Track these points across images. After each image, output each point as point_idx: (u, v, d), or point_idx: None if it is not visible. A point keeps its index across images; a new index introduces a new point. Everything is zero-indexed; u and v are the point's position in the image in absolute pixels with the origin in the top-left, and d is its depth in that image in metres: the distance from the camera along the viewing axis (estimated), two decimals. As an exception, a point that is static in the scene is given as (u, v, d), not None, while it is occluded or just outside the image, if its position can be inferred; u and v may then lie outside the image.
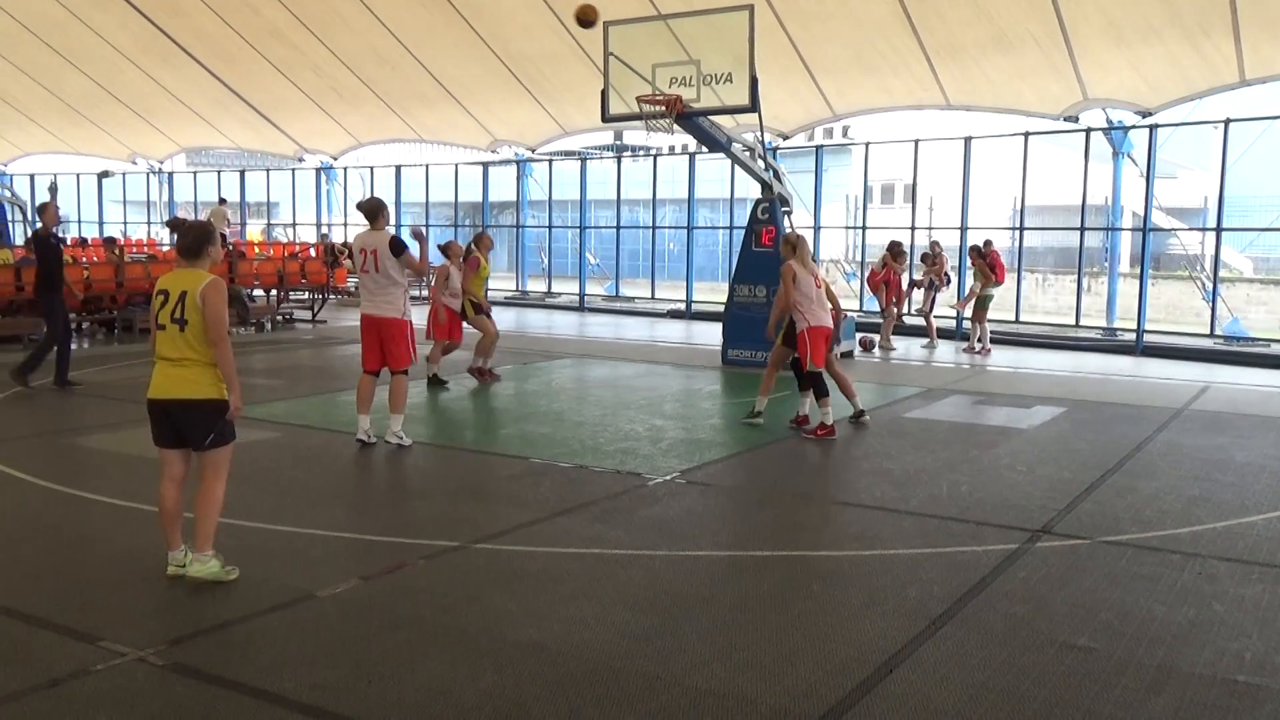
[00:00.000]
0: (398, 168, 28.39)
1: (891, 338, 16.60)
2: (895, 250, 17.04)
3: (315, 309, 20.03)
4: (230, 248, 21.86)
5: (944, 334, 18.02)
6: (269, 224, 32.88)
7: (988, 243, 16.76)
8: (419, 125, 25.06)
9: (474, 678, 4.22)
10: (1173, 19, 14.78)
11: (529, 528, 6.36)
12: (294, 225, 31.00)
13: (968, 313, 17.11)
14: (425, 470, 8.09)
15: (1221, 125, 17.49)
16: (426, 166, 27.79)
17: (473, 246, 12.47)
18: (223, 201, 28.15)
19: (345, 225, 28.20)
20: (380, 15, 20.23)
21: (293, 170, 29.64)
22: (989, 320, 16.52)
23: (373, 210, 8.69)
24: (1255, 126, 19.37)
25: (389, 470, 8.10)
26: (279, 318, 19.24)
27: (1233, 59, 15.20)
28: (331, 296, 22.41)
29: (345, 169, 28.95)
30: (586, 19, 11.61)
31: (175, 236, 4.59)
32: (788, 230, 12.56)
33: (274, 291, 20.27)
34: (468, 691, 4.10)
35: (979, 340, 16.31)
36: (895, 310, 16.89)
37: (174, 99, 25.67)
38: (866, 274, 18.60)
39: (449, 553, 5.86)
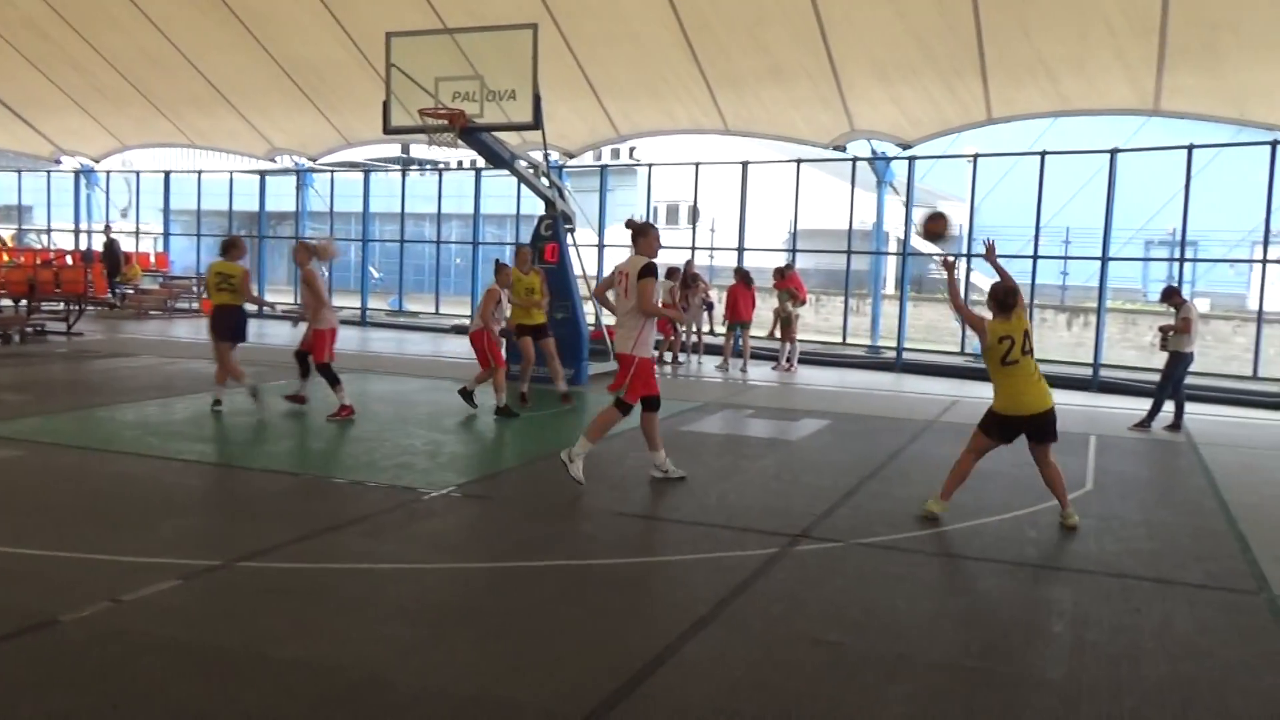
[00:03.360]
0: (167, 174, 27.00)
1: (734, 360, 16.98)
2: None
3: (70, 320, 18.76)
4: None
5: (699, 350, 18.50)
6: (19, 229, 30.54)
7: (789, 265, 17.50)
8: (190, 130, 23.92)
9: (232, 698, 4.10)
10: (929, 60, 15.90)
11: (297, 544, 6.20)
12: (49, 231, 28.92)
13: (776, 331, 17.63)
14: (189, 488, 7.74)
15: (971, 159, 18.92)
16: (199, 173, 26.54)
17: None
18: None
19: (106, 231, 26.55)
20: (150, 14, 19.23)
21: (48, 172, 27.70)
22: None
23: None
24: (1005, 161, 21.06)
25: (149, 489, 7.70)
26: (29, 329, 17.90)
27: (981, 99, 16.48)
28: (90, 307, 21.04)
29: (108, 173, 27.30)
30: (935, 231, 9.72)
31: (997, 298, 7.06)
32: (313, 239, 12.57)
33: (24, 301, 18.86)
34: (224, 713, 3.98)
35: (787, 359, 16.92)
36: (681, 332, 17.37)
37: (-93, 89, 23.59)
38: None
39: (210, 572, 5.64)
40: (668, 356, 17.11)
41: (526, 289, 11.93)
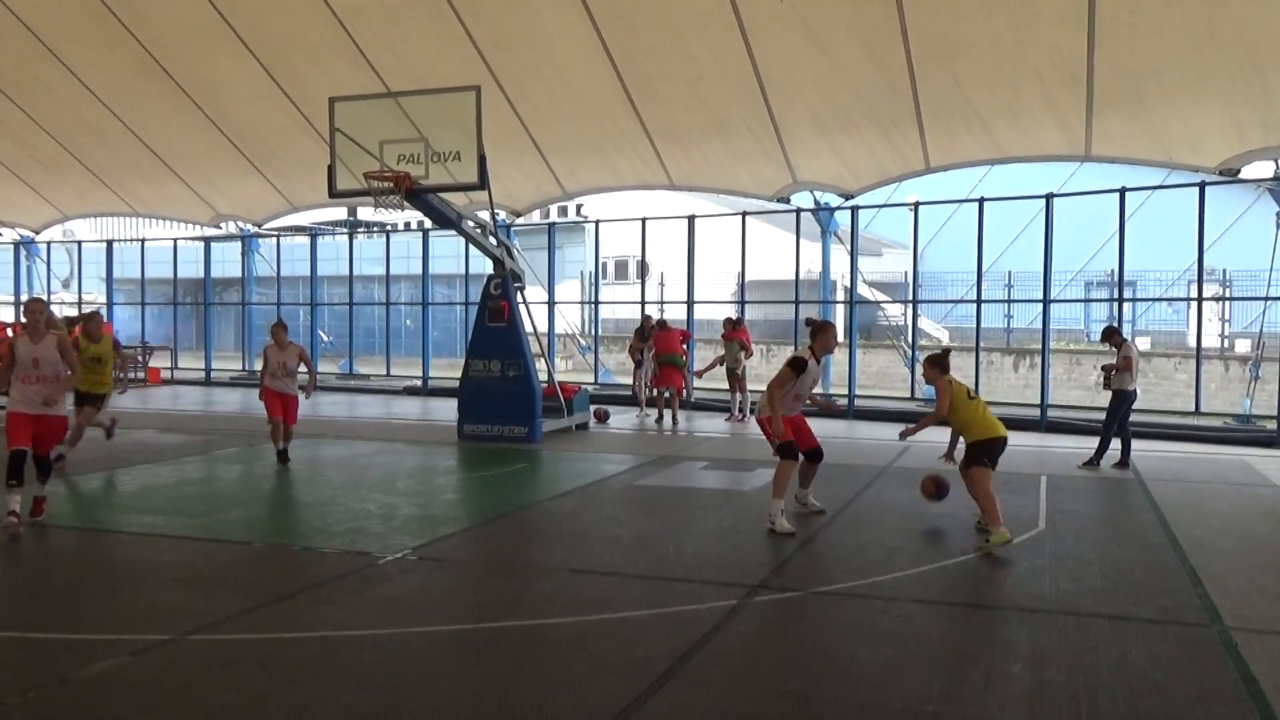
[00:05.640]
0: (109, 243, 26.72)
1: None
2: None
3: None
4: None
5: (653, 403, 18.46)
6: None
7: (740, 318, 17.67)
8: (133, 199, 23.71)
9: (183, 776, 3.99)
10: (866, 112, 16.23)
11: (250, 614, 6.08)
12: (-11, 304, 28.45)
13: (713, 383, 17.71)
14: (135, 560, 7.57)
15: (912, 208, 19.28)
16: (142, 242, 26.30)
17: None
18: None
19: (49, 304, 26.09)
20: (89, 83, 19.13)
21: (-13, 245, 27.31)
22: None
23: None
24: (946, 208, 21.47)
25: (92, 563, 7.54)
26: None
27: (919, 148, 16.82)
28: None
29: (49, 244, 26.94)
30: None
31: (940, 363, 8.56)
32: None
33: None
34: (176, 791, 3.87)
35: (739, 410, 17.07)
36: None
37: None
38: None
39: (160, 646, 5.51)
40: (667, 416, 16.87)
41: (92, 357, 11.59)
